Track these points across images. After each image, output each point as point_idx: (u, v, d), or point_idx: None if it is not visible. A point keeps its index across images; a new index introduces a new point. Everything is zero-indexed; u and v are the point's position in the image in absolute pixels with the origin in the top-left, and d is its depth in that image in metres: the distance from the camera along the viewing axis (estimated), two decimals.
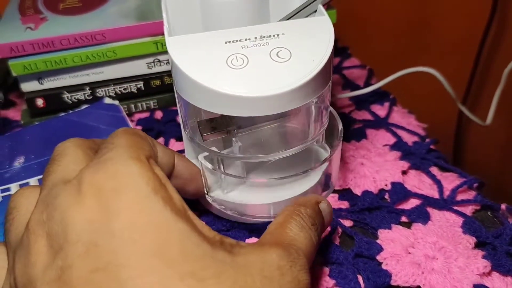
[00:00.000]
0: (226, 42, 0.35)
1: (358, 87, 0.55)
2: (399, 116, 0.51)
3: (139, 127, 0.51)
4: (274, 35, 0.35)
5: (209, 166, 0.37)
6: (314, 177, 0.39)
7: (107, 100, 0.50)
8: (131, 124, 0.49)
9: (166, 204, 0.23)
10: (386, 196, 0.42)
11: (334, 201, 0.42)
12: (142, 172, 0.24)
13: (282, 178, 0.37)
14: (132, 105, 0.52)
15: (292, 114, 0.38)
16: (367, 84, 0.55)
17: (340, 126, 0.39)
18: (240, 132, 0.38)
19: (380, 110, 0.52)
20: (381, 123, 0.50)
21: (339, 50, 0.64)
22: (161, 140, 0.50)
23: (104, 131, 0.46)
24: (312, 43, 0.35)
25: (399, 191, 0.42)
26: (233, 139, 0.37)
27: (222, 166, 0.38)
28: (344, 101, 0.53)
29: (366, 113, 0.52)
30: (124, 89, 0.51)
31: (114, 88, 0.51)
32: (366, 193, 0.42)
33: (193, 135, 0.38)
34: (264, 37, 0.35)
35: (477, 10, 0.67)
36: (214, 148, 0.37)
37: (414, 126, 0.50)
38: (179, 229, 0.22)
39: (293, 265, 0.24)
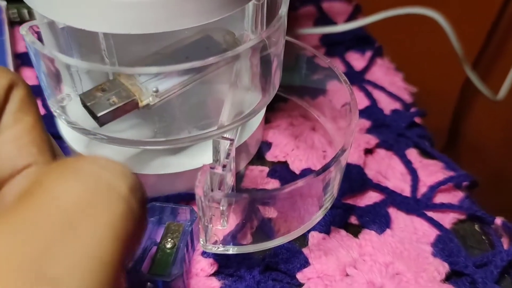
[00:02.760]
0: None
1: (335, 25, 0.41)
2: (381, 72, 0.38)
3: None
4: None
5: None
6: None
7: None
8: (7, 31, 0.35)
9: None
10: None
11: (261, 177, 0.29)
12: None
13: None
14: (25, 11, 0.38)
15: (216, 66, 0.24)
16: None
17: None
18: (159, 100, 0.23)
19: (358, 60, 0.38)
20: (354, 78, 0.36)
21: None
22: None
23: None
24: None
25: (355, 177, 0.29)
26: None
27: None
28: (312, 41, 0.39)
29: (338, 61, 0.38)
30: None
31: None
32: (307, 172, 0.29)
33: (64, 113, 0.24)
34: None
35: None
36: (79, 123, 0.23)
37: (399, 88, 0.37)
38: None
39: None
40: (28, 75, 0.35)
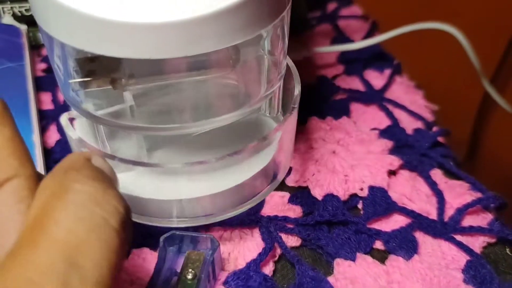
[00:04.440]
0: None
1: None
2: (401, 90, 0.37)
3: (44, 65, 0.38)
4: None
5: (75, 135, 0.23)
6: (253, 164, 0.26)
7: (6, 19, 0.37)
8: (28, 56, 0.36)
9: None
10: (359, 206, 0.28)
11: (281, 203, 0.28)
12: None
13: (201, 163, 0.24)
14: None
15: (218, 63, 0.24)
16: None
17: (297, 90, 0.26)
18: (133, 83, 0.24)
19: (377, 79, 0.38)
20: (373, 97, 0.36)
21: None
22: None
23: None
24: None
25: (380, 201, 0.28)
26: (124, 93, 0.24)
27: (103, 136, 0.25)
28: (329, 59, 0.39)
29: (356, 80, 0.37)
30: (26, 10, 0.37)
31: (11, 7, 0.37)
32: (329, 197, 0.28)
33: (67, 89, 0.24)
34: None
35: None
36: (90, 107, 0.23)
37: (420, 107, 0.36)
38: None
39: None
40: (45, 99, 0.35)
